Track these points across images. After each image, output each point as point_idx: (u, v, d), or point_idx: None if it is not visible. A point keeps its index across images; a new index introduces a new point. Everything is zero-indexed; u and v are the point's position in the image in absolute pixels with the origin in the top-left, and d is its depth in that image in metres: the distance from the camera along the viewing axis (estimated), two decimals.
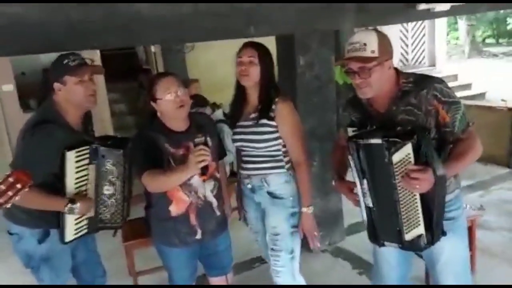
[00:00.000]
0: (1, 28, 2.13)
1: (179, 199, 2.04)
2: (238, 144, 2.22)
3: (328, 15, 3.10)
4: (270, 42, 3.15)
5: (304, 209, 2.17)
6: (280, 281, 2.24)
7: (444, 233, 1.70)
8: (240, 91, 2.19)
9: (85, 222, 2.11)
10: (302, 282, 2.30)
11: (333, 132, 3.37)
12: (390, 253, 1.95)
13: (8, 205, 1.41)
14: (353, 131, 1.86)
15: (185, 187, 2.03)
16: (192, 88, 4.48)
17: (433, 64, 9.42)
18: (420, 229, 1.67)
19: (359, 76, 1.70)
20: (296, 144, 2.15)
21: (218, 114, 3.81)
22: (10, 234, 2.09)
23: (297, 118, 2.18)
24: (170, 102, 1.96)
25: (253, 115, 2.14)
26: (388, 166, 1.63)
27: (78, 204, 1.96)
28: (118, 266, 3.04)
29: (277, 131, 2.11)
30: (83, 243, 2.25)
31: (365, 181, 1.73)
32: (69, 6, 2.26)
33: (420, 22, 8.95)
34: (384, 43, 1.71)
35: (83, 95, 2.00)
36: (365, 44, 1.67)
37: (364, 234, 1.91)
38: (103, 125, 6.20)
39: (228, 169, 3.33)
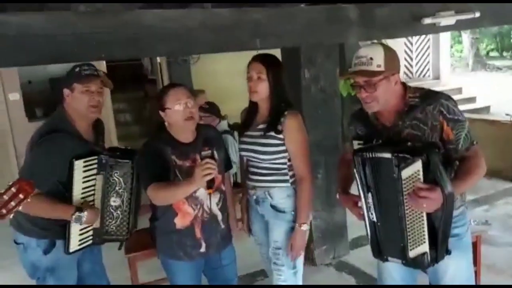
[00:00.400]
0: (9, 38, 2.14)
1: (185, 212, 2.04)
2: (245, 153, 2.22)
3: (334, 28, 3.11)
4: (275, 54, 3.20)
5: (297, 225, 2.14)
6: None
7: (448, 252, 1.69)
8: (252, 103, 2.21)
9: (90, 233, 2.12)
10: None
11: (338, 144, 3.37)
12: (394, 268, 1.94)
13: (10, 216, 1.41)
14: (358, 144, 1.86)
15: (190, 200, 2.03)
16: (201, 99, 4.48)
17: (437, 77, 9.43)
18: (425, 247, 1.65)
19: (365, 90, 1.70)
20: (300, 159, 2.14)
21: (223, 125, 3.81)
22: (17, 243, 2.09)
23: (305, 133, 2.18)
24: (179, 113, 1.97)
25: (261, 126, 2.14)
26: (396, 182, 1.62)
27: (85, 213, 1.97)
28: (122, 277, 3.02)
29: (283, 144, 2.11)
30: (89, 254, 2.25)
31: (369, 195, 1.73)
32: (76, 17, 2.29)
33: (424, 36, 8.99)
34: (391, 57, 1.72)
35: (86, 105, 2.03)
36: (371, 59, 1.68)
37: (368, 248, 1.89)
38: (108, 134, 6.20)
39: (231, 180, 3.33)
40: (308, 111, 3.17)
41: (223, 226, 2.16)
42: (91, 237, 2.12)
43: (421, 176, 1.58)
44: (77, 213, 1.95)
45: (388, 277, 2.00)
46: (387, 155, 1.63)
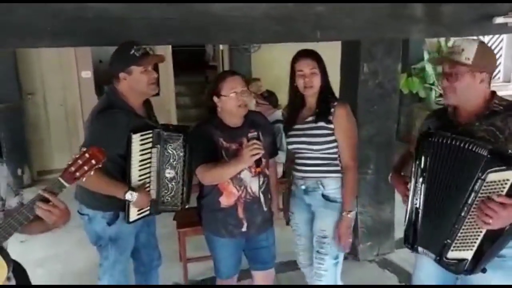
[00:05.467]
0: (88, 21, 2.33)
1: (229, 191, 2.14)
2: (293, 146, 2.29)
3: (398, 24, 3.07)
4: (332, 48, 3.21)
5: (344, 213, 2.19)
6: (321, 284, 2.28)
7: (484, 270, 1.61)
8: (298, 97, 2.27)
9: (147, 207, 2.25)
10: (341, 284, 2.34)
11: (392, 141, 3.34)
12: (431, 276, 1.88)
13: (84, 179, 1.53)
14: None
15: (235, 181, 2.13)
16: (254, 86, 4.59)
17: (508, 80, 8.90)
18: (468, 254, 1.60)
19: (447, 79, 1.70)
20: (348, 147, 2.19)
21: (277, 114, 3.88)
22: (81, 214, 2.26)
23: (354, 123, 2.23)
24: (233, 100, 2.07)
25: (310, 118, 2.21)
26: (476, 181, 1.53)
27: (136, 194, 2.08)
28: (170, 250, 3.18)
29: (333, 134, 2.16)
30: (146, 226, 2.40)
31: (421, 180, 1.70)
32: (148, 3, 2.44)
33: (497, 36, 8.50)
34: (484, 55, 1.68)
35: (146, 83, 2.13)
36: (462, 50, 1.67)
37: None
38: (169, 116, 6.51)
39: (280, 170, 3.39)
40: (364, 106, 3.16)
41: (265, 209, 2.24)
42: (148, 208, 2.26)
43: (507, 187, 1.49)
44: (129, 192, 2.07)
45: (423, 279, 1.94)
46: (483, 152, 1.52)
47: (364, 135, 3.21)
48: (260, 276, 2.37)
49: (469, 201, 1.56)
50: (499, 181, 1.50)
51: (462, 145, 1.60)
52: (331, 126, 2.16)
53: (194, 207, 2.38)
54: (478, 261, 1.59)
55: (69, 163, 1.50)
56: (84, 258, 3.54)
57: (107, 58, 8.11)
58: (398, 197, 2.07)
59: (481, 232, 1.57)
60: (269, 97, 4.00)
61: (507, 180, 1.49)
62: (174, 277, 3.24)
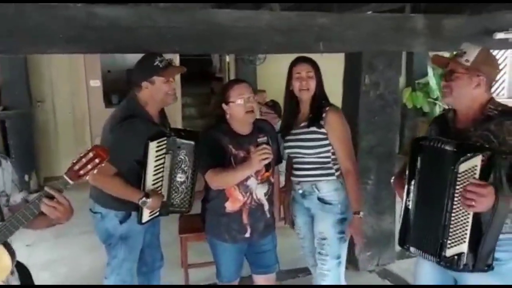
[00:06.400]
0: (98, 28, 2.43)
1: (235, 197, 2.19)
2: (290, 151, 2.35)
3: (399, 37, 3.14)
4: (334, 59, 3.28)
5: (354, 215, 2.24)
6: (326, 284, 2.31)
7: (490, 267, 1.62)
8: (293, 103, 2.35)
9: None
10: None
11: (393, 152, 3.37)
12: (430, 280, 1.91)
13: (86, 178, 1.58)
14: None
15: (241, 187, 2.18)
16: (259, 97, 4.68)
17: None
18: (463, 247, 1.62)
19: (445, 79, 1.78)
20: (344, 152, 2.24)
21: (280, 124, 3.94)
22: (94, 212, 2.34)
23: (346, 127, 2.28)
24: (241, 106, 2.13)
25: (304, 124, 2.27)
26: (451, 175, 1.61)
27: (150, 200, 2.18)
28: (172, 256, 3.22)
29: (326, 139, 2.22)
30: (151, 226, 2.47)
31: (412, 182, 1.76)
32: (155, 12, 2.53)
33: (502, 52, 8.55)
34: (484, 60, 1.74)
35: (166, 93, 2.23)
36: (464, 53, 1.74)
37: (416, 260, 1.93)
38: (175, 126, 6.56)
39: (282, 179, 3.43)
40: (365, 116, 3.21)
41: (268, 216, 2.29)
42: (159, 209, 2.33)
43: (477, 172, 1.56)
44: (143, 199, 2.17)
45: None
46: (450, 148, 1.64)
47: (365, 146, 3.25)
48: (261, 280, 2.40)
49: (450, 195, 1.62)
50: (469, 169, 1.59)
51: (438, 145, 1.68)
52: (323, 130, 2.21)
53: (197, 214, 2.43)
54: (476, 253, 1.60)
55: (74, 161, 1.55)
56: (89, 262, 3.60)
57: (115, 68, 8.28)
58: (398, 207, 2.09)
59: (468, 222, 1.61)
60: (273, 107, 4.08)
61: (476, 166, 1.57)
62: (175, 282, 3.26)
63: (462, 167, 1.59)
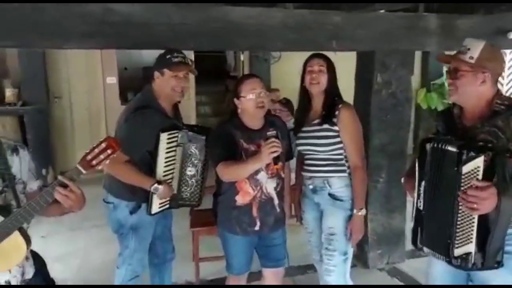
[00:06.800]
0: (113, 24, 2.48)
1: (245, 191, 2.23)
2: (301, 148, 2.37)
3: (412, 36, 3.14)
4: (348, 58, 3.29)
5: (355, 211, 2.26)
6: (330, 280, 2.34)
7: (500, 264, 1.63)
8: (306, 99, 2.37)
9: (168, 198, 2.38)
10: (351, 283, 2.38)
11: (404, 150, 3.37)
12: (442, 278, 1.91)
13: (99, 167, 1.62)
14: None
15: (252, 181, 2.21)
16: (272, 96, 4.70)
17: None
18: (470, 247, 1.63)
19: (450, 77, 1.75)
20: (354, 148, 2.25)
21: (292, 122, 3.96)
22: (107, 202, 2.41)
23: (358, 124, 2.30)
24: (252, 101, 2.17)
25: (316, 121, 2.29)
26: (456, 176, 1.61)
27: (161, 187, 2.23)
28: (184, 251, 3.27)
29: (339, 136, 2.23)
30: (163, 219, 2.52)
31: (423, 183, 1.75)
32: (170, 9, 2.58)
33: None
34: (489, 56, 1.69)
35: (172, 88, 2.28)
36: (468, 49, 1.70)
37: (426, 260, 1.94)
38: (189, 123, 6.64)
39: (293, 176, 3.45)
40: (377, 115, 3.22)
41: (278, 210, 2.32)
42: (169, 202, 2.39)
43: (480, 173, 1.56)
44: (155, 185, 2.23)
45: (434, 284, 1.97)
46: (453, 149, 1.63)
47: (377, 144, 3.26)
48: (270, 273, 2.43)
49: (456, 196, 1.62)
50: (472, 170, 1.58)
51: (442, 146, 1.68)
52: (336, 128, 2.23)
53: (208, 209, 2.47)
54: (484, 252, 1.61)
55: (87, 151, 1.59)
56: (101, 255, 3.67)
57: (131, 66, 8.38)
58: (409, 206, 2.09)
59: (473, 222, 1.61)
60: (287, 104, 4.10)
61: (478, 167, 1.57)
62: (186, 275, 3.32)
63: (465, 168, 1.59)
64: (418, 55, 6.42)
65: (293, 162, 2.66)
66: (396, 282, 3.31)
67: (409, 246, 3.59)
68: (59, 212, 1.71)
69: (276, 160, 2.05)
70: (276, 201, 2.30)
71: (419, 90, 6.80)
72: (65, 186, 1.56)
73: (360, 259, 3.48)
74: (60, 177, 1.58)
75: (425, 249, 1.80)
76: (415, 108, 6.59)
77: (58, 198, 1.56)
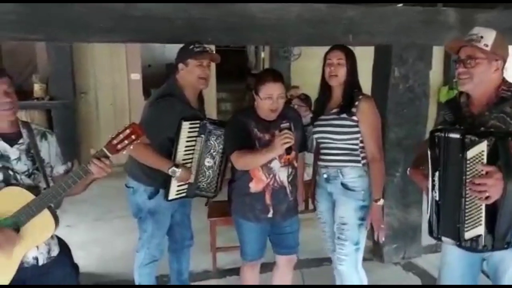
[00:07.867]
0: (135, 19, 2.59)
1: (259, 178, 2.29)
2: (318, 136, 2.41)
3: (430, 30, 3.13)
4: (367, 52, 3.30)
5: (373, 203, 2.29)
6: (342, 269, 2.37)
7: (510, 245, 1.66)
8: (326, 90, 2.40)
9: (185, 186, 2.45)
10: (363, 274, 2.41)
11: None
12: (456, 265, 1.93)
13: (124, 152, 1.71)
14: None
15: (265, 169, 2.27)
16: (291, 91, 4.79)
17: None
18: (480, 230, 1.65)
19: (464, 65, 1.75)
20: (372, 140, 2.28)
21: (310, 118, 4.01)
22: (127, 187, 2.51)
23: (378, 116, 2.32)
24: (266, 104, 2.23)
25: (335, 110, 2.32)
26: (462, 162, 1.64)
27: (180, 170, 2.30)
28: (203, 241, 3.35)
29: (356, 126, 2.26)
30: (181, 206, 2.61)
31: (436, 174, 1.77)
32: (189, 4, 2.66)
33: None
34: (501, 44, 1.73)
35: (197, 77, 2.36)
36: (481, 37, 1.72)
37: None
38: None
39: (310, 171, 3.48)
40: (394, 108, 3.22)
41: (291, 198, 2.37)
42: (185, 190, 2.46)
43: (484, 158, 1.59)
44: (173, 168, 2.29)
45: (448, 270, 1.99)
46: (457, 135, 1.66)
47: (393, 138, 3.27)
48: (283, 260, 2.49)
49: (464, 180, 1.65)
50: (477, 154, 1.61)
51: (446, 135, 1.70)
52: (354, 118, 2.26)
53: (226, 200, 2.53)
54: (494, 234, 1.64)
55: (112, 136, 1.69)
56: (121, 244, 3.80)
57: (155, 63, 8.56)
58: (425, 200, 2.08)
59: (481, 205, 1.64)
60: (305, 100, 4.16)
61: (483, 151, 1.59)
62: (203, 265, 3.40)
63: (470, 153, 1.62)
64: (440, 52, 6.36)
65: (309, 158, 2.71)
66: (411, 276, 3.31)
67: (426, 241, 3.60)
68: (81, 189, 1.84)
69: (288, 150, 2.11)
70: (288, 190, 2.35)
71: (441, 87, 6.72)
72: (104, 157, 1.67)
73: (375, 253, 3.49)
74: (93, 156, 1.68)
75: (443, 238, 1.81)
76: (437, 104, 6.52)
77: (94, 170, 1.66)
